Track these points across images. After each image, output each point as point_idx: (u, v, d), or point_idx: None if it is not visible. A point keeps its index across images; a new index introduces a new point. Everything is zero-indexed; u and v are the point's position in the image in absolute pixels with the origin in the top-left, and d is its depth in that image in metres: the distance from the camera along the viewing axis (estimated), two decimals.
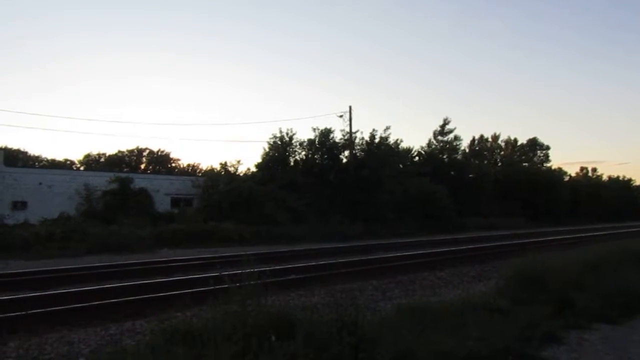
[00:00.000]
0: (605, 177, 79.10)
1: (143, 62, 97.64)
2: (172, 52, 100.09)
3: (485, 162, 58.19)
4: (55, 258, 16.49)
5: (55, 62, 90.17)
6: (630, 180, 78.90)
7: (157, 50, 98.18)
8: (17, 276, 11.43)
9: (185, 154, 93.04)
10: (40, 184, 29.00)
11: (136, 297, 8.37)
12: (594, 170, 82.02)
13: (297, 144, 34.94)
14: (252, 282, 4.98)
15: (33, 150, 60.13)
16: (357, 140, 35.21)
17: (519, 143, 67.56)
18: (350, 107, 34.55)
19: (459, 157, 48.87)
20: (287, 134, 34.62)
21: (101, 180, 29.77)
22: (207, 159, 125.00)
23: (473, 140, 61.31)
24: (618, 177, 79.44)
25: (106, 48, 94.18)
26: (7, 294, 8.93)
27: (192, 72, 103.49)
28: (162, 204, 31.94)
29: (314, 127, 35.29)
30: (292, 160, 34.93)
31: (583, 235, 28.52)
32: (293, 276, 10.98)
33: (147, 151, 63.02)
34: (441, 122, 48.61)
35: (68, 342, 5.68)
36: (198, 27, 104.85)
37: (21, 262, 15.30)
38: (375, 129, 35.81)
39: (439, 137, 48.27)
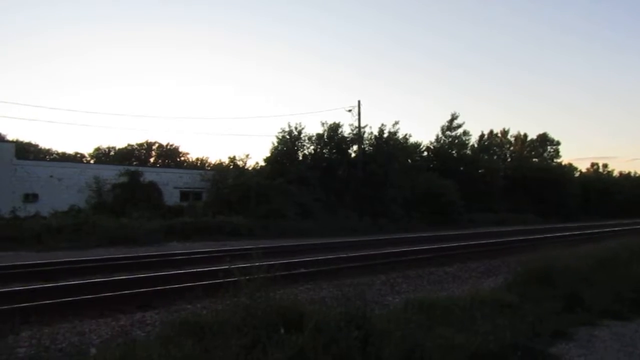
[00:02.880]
0: (616, 173, 78.45)
1: (153, 56, 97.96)
2: (181, 47, 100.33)
3: (495, 157, 57.78)
4: (65, 250, 16.65)
5: (66, 56, 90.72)
6: None
7: (167, 45, 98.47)
8: (29, 267, 11.56)
9: (194, 148, 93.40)
10: (51, 176, 29.25)
11: (146, 289, 8.44)
12: (605, 166, 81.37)
13: (306, 138, 34.93)
14: (261, 276, 5.00)
15: (44, 144, 60.82)
16: (365, 135, 35.16)
17: (529, 138, 67.12)
18: (359, 102, 34.47)
19: (468, 152, 48.58)
20: (296, 128, 34.63)
21: (111, 174, 29.97)
22: (216, 153, 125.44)
23: (482, 135, 60.96)
24: (629, 173, 78.75)
25: (116, 42, 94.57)
26: (19, 285, 9.05)
27: (200, 66, 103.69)
28: (171, 197, 32.11)
29: (323, 121, 35.30)
30: (300, 154, 34.91)
31: (593, 231, 28.30)
32: (302, 270, 11.01)
33: (157, 145, 63.42)
34: (449, 117, 48.40)
35: (79, 333, 5.74)
36: (207, 21, 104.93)
37: (32, 254, 15.47)
38: (384, 123, 35.75)
39: (448, 132, 48.03)
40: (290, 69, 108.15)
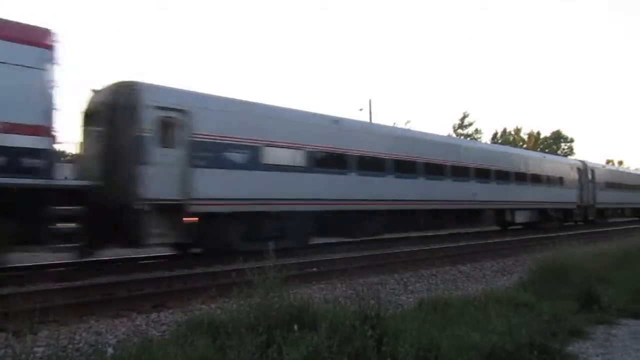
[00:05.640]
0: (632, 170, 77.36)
1: (160, 56, 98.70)
2: (188, 46, 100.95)
3: None
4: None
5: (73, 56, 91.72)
6: None
7: (173, 45, 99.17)
8: (46, 268, 11.71)
9: None
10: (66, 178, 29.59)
11: (161, 289, 8.52)
12: (620, 163, 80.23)
13: None
14: (274, 275, 5.02)
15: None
16: None
17: (542, 136, 66.51)
18: (370, 101, 34.57)
19: None
20: None
21: None
22: None
23: (495, 133, 60.61)
24: None
25: (121, 42, 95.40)
26: (36, 285, 9.17)
27: (208, 65, 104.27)
28: None
29: None
30: None
31: (609, 229, 27.92)
32: (315, 269, 11.04)
33: None
34: (460, 116, 48.19)
35: (96, 332, 5.81)
36: (214, 18, 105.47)
37: (49, 255, 15.62)
38: (396, 122, 35.75)
39: (459, 130, 47.83)
40: (301, 68, 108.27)
